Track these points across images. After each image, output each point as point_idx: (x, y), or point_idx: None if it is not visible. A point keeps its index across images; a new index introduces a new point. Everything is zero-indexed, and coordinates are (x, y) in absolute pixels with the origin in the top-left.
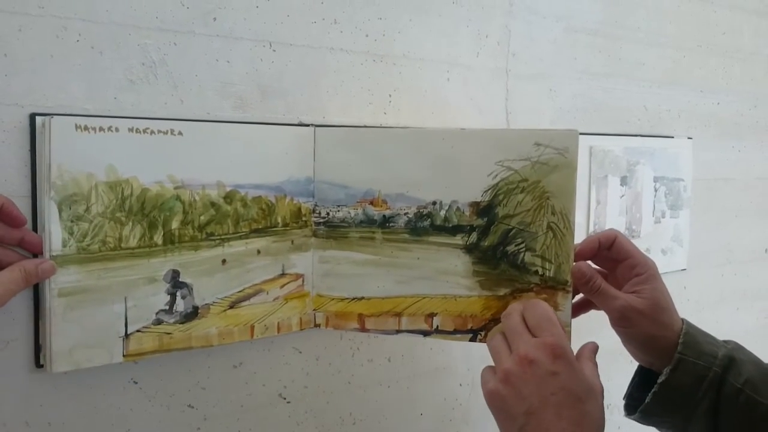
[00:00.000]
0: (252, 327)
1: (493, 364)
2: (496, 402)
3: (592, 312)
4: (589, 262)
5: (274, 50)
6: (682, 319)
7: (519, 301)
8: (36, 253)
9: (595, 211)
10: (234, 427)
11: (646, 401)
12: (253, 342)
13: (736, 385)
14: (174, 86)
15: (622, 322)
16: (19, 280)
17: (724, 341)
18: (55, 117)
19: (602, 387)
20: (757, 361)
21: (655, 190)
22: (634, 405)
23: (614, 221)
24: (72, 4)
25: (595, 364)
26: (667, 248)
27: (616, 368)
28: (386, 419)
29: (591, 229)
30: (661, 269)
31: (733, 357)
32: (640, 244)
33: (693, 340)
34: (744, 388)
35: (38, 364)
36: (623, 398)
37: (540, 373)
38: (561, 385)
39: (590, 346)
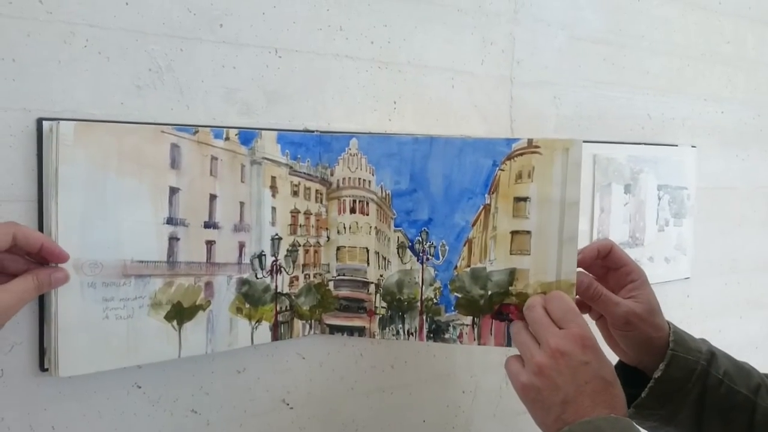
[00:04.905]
0: None
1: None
2: (530, 394)
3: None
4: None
5: (280, 56)
6: (668, 321)
7: (539, 294)
8: (57, 263)
9: (599, 219)
10: None
11: (642, 396)
12: (257, 347)
13: (718, 377)
14: (180, 92)
15: (625, 327)
16: (31, 289)
17: (701, 339)
18: (62, 122)
19: None
20: (728, 356)
21: (659, 199)
22: None
23: (618, 229)
24: (80, 9)
25: None
26: (671, 257)
27: None
28: (389, 426)
29: (594, 237)
30: (664, 278)
31: (713, 352)
32: (644, 252)
33: (681, 338)
34: (724, 379)
35: (43, 368)
36: None
37: (573, 364)
38: (593, 373)
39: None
